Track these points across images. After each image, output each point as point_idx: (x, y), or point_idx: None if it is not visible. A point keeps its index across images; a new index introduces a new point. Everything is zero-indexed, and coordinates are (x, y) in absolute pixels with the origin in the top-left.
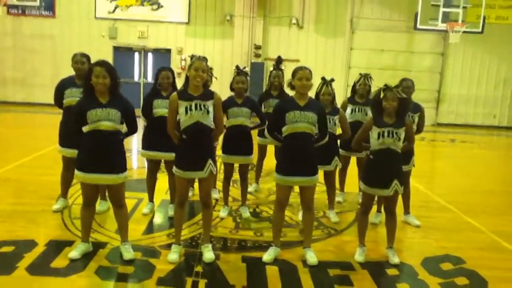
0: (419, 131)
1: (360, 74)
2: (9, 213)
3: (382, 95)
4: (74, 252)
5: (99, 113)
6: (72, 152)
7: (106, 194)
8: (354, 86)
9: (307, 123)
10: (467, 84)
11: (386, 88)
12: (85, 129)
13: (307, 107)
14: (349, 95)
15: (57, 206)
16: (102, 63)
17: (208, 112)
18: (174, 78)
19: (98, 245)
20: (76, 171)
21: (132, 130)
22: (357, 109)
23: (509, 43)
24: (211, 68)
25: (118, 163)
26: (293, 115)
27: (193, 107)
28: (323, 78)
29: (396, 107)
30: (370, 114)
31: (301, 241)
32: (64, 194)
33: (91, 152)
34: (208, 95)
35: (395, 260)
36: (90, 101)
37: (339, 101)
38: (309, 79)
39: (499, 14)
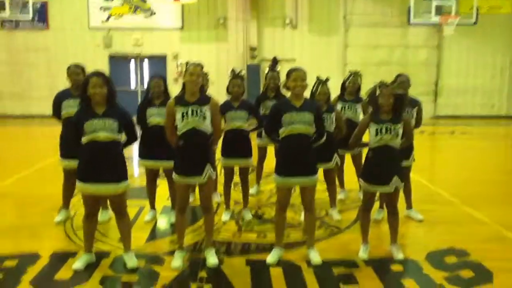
0: (417, 125)
1: (350, 71)
2: (12, 226)
3: (378, 92)
4: (78, 263)
5: (95, 124)
6: (73, 163)
7: (108, 203)
8: (343, 84)
9: (304, 124)
10: (464, 76)
11: (382, 84)
12: (83, 140)
13: (303, 107)
14: None
15: (59, 217)
16: (98, 74)
17: (204, 117)
18: (166, 85)
19: (102, 255)
20: (77, 182)
21: (132, 138)
22: (347, 107)
23: (503, 32)
24: (206, 73)
25: (118, 173)
26: (289, 116)
27: (189, 113)
28: (318, 78)
29: (393, 103)
30: (360, 111)
31: (304, 241)
32: (66, 205)
33: (90, 163)
34: (205, 100)
35: (400, 256)
36: (87, 112)
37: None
38: (304, 80)
39: (491, 4)
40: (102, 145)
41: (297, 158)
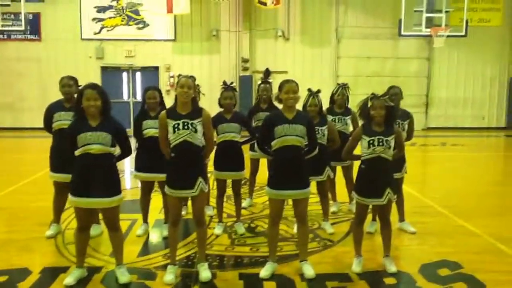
0: (409, 138)
1: (338, 84)
2: (1, 241)
3: (369, 104)
4: (69, 279)
5: (89, 137)
6: (64, 177)
7: (99, 217)
8: (332, 97)
9: (296, 136)
10: (454, 87)
11: (374, 96)
12: (76, 152)
13: (295, 120)
14: None
15: (50, 232)
16: (93, 86)
17: (196, 130)
18: (161, 97)
19: (93, 270)
20: (69, 196)
21: (126, 152)
22: (336, 120)
23: (493, 44)
24: (198, 85)
25: (111, 186)
26: (281, 129)
27: (180, 126)
28: (309, 90)
29: (384, 116)
30: (349, 123)
31: (297, 254)
32: (57, 219)
33: (82, 176)
34: (196, 113)
35: (392, 269)
36: (81, 124)
37: None
38: (296, 92)
39: (481, 17)
40: (95, 158)
41: (289, 171)
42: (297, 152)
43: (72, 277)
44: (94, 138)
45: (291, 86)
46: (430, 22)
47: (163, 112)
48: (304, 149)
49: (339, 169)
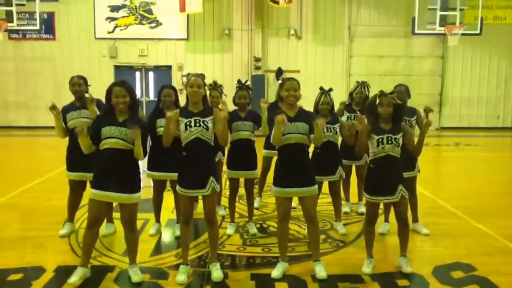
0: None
1: (357, 82)
2: (17, 239)
3: (378, 101)
4: (74, 277)
5: (113, 131)
6: (79, 175)
7: (112, 216)
8: (351, 94)
9: (299, 134)
10: (468, 86)
11: (382, 94)
12: (100, 146)
13: (297, 118)
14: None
15: (64, 231)
16: (120, 83)
17: (207, 128)
18: (177, 96)
19: (106, 269)
20: (91, 189)
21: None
22: (353, 117)
23: (508, 43)
24: (221, 86)
25: (131, 183)
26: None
27: (192, 124)
28: (321, 88)
29: (392, 113)
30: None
31: (309, 254)
32: (71, 218)
33: (104, 169)
34: (208, 111)
35: (408, 269)
36: (108, 118)
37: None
38: (296, 90)
39: (496, 15)
40: (118, 152)
41: (294, 168)
42: (301, 150)
43: (77, 276)
44: (118, 133)
45: (292, 84)
46: (444, 20)
47: (176, 110)
48: (308, 146)
49: (353, 169)
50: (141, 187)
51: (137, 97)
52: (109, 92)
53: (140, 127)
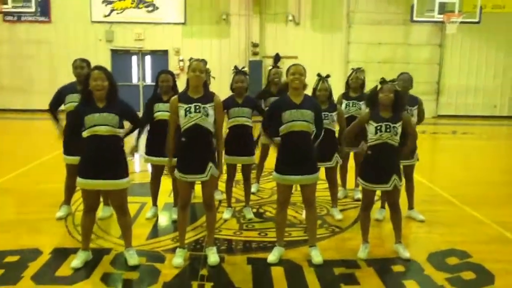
0: (420, 121)
1: (352, 68)
2: (13, 222)
3: (378, 87)
4: (76, 261)
5: (96, 118)
6: (76, 159)
7: (108, 200)
8: (347, 82)
9: (304, 122)
10: (466, 75)
11: (383, 81)
12: (84, 134)
13: (303, 104)
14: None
15: (61, 213)
16: (99, 67)
17: (207, 114)
18: (174, 81)
19: (103, 252)
20: (77, 178)
21: (136, 124)
22: (351, 104)
23: (507, 32)
24: (208, 69)
25: (119, 169)
26: (289, 114)
27: (192, 109)
28: (318, 75)
29: (393, 100)
30: (364, 108)
31: (305, 240)
32: (68, 201)
33: (90, 157)
34: (208, 97)
35: (406, 254)
36: (88, 106)
37: (336, 97)
38: (302, 75)
39: (495, 3)
40: (102, 139)
41: (297, 156)
42: (305, 137)
43: (79, 259)
44: (101, 120)
45: (297, 68)
46: (443, 8)
47: (175, 96)
48: (312, 134)
49: (351, 155)
50: (138, 171)
51: (115, 83)
52: (87, 76)
53: (122, 110)
